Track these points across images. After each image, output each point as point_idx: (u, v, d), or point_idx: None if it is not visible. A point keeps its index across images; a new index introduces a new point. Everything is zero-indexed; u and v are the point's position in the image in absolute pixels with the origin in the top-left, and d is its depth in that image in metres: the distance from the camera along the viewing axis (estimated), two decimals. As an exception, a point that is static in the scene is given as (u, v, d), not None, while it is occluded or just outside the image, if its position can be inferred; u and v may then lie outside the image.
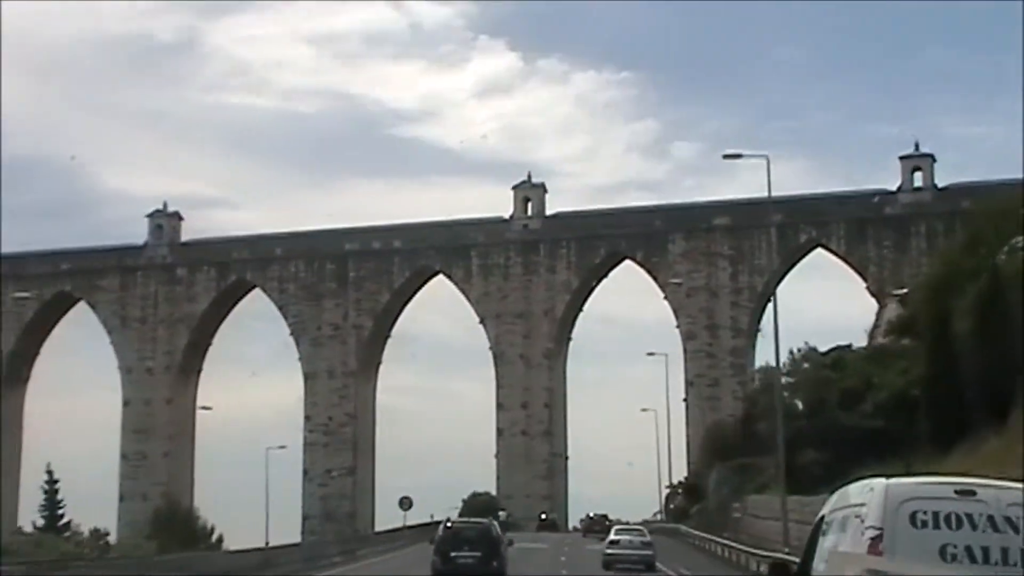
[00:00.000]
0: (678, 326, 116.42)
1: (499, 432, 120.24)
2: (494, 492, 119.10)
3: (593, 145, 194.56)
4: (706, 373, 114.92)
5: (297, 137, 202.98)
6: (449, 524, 43.06)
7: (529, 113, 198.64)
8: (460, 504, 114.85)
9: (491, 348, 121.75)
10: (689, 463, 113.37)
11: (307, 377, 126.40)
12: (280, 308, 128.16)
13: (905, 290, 70.69)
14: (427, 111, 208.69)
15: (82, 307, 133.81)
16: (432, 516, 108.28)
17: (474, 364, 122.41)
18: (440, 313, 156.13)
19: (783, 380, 56.67)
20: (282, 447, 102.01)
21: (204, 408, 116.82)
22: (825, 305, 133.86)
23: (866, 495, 11.57)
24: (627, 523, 76.97)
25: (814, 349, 67.41)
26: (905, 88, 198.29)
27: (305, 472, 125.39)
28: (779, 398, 43.57)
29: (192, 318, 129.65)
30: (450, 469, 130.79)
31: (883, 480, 11.53)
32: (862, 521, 11.32)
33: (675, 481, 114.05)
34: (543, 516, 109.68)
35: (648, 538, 54.63)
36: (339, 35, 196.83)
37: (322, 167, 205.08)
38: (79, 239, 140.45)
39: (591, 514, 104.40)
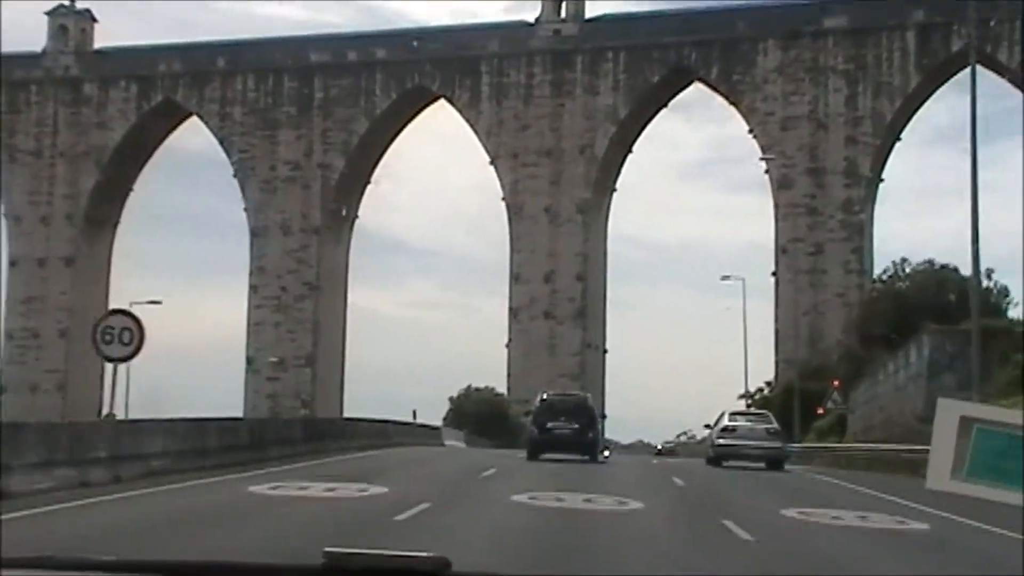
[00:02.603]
0: (767, 171, 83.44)
1: (513, 313, 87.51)
2: (503, 391, 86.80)
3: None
4: (806, 236, 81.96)
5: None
6: (545, 396, 41.27)
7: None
8: (447, 403, 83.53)
9: (504, 199, 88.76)
10: (778, 360, 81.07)
11: (254, 234, 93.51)
12: (221, 141, 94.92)
13: None
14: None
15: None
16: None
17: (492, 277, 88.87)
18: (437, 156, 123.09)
19: None
20: (155, 302, 68.54)
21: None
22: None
23: None
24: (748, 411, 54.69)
25: None
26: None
27: (249, 361, 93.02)
28: None
29: (103, 151, 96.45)
30: (447, 369, 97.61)
31: None
32: None
33: (757, 385, 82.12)
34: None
35: (775, 425, 41.77)
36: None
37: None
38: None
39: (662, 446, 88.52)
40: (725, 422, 41.69)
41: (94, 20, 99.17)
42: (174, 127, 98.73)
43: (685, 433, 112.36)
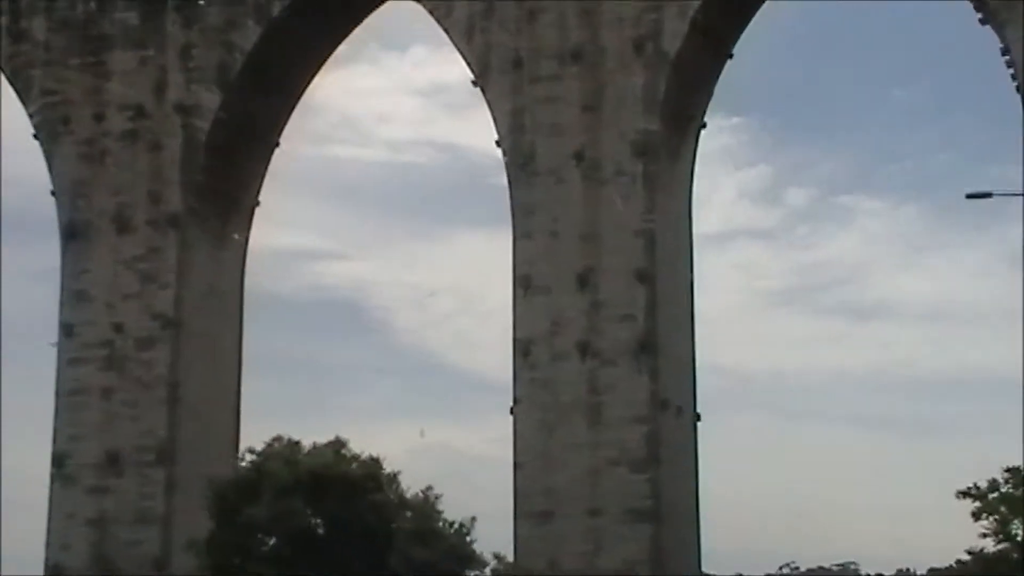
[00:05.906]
0: (1006, 54, 43.45)
1: (521, 348, 46.56)
2: (508, 505, 45.49)
3: (704, 192, 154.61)
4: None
5: (404, 188, 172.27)
6: None
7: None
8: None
9: (499, 143, 48.57)
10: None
11: (69, 233, 53.82)
12: (12, 78, 55.98)
13: None
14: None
15: None
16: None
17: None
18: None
19: None
20: None
21: None
22: None
23: None
24: None
25: None
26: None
27: (58, 461, 52.45)
28: None
29: None
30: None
31: None
32: None
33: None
34: None
35: None
36: (447, 86, 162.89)
37: (429, 217, 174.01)
38: None
39: None
40: None
41: None
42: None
43: (788, 565, 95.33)
